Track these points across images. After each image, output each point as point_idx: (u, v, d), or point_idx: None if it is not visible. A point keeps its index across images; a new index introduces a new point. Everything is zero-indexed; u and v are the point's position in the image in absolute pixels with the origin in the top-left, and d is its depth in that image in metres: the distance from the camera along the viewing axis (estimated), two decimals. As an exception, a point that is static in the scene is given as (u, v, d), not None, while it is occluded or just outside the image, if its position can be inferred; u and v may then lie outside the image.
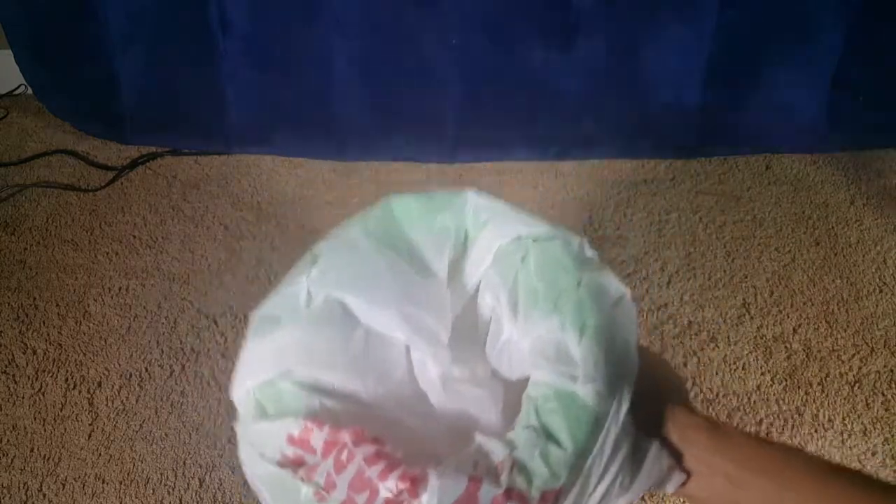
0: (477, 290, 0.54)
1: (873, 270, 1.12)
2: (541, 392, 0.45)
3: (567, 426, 0.44)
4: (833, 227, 1.23)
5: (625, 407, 0.45)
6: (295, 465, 0.45)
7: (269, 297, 0.51)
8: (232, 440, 0.84)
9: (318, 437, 0.44)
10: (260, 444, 0.46)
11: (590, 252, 0.51)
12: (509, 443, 0.44)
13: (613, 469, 0.45)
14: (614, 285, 0.49)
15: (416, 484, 0.41)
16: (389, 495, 0.41)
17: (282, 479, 0.44)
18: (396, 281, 0.51)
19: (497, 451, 0.43)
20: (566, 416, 0.44)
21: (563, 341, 0.47)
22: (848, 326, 1.01)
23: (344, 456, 0.43)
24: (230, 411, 0.56)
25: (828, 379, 0.93)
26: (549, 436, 0.44)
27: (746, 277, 1.11)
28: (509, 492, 0.42)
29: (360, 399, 0.48)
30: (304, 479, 0.43)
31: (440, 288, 0.52)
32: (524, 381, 0.48)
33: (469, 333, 0.54)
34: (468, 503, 0.41)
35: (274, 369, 0.48)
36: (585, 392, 0.44)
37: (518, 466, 0.43)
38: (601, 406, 0.44)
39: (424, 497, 0.41)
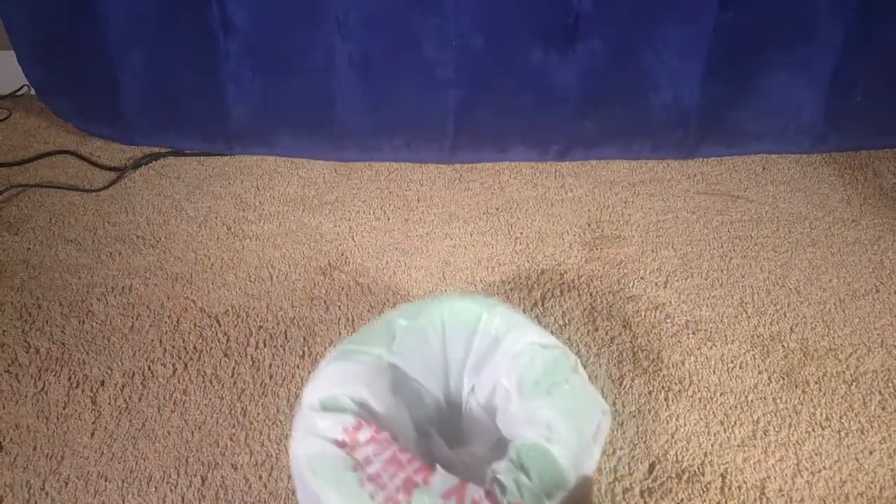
0: (499, 374, 0.77)
1: (870, 270, 1.13)
2: (525, 443, 0.66)
3: (538, 468, 0.64)
4: (830, 227, 1.23)
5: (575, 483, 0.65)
6: (341, 446, 0.65)
7: (354, 336, 0.77)
8: (233, 439, 0.85)
9: (365, 432, 0.66)
10: (318, 428, 0.67)
11: (580, 368, 0.74)
12: (494, 469, 0.65)
13: None
14: (600, 401, 0.71)
15: (428, 472, 0.63)
16: (411, 473, 0.63)
17: (332, 453, 0.65)
18: (440, 365, 0.80)
19: (485, 469, 0.65)
20: (539, 462, 0.64)
21: (549, 416, 0.67)
22: (845, 325, 1.02)
23: (383, 445, 0.65)
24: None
25: (825, 378, 0.93)
26: (522, 469, 0.64)
27: (744, 277, 1.12)
28: (488, 493, 0.62)
29: (391, 425, 0.70)
30: (348, 455, 0.64)
31: (461, 372, 0.80)
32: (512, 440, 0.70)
33: (489, 404, 0.79)
34: (460, 492, 0.62)
35: (339, 388, 0.70)
36: (558, 451, 0.65)
37: (496, 482, 0.63)
38: (566, 464, 0.64)
39: (432, 479, 0.62)
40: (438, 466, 0.64)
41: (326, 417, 0.67)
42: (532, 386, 0.71)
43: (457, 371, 0.81)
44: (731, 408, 0.89)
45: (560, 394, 0.69)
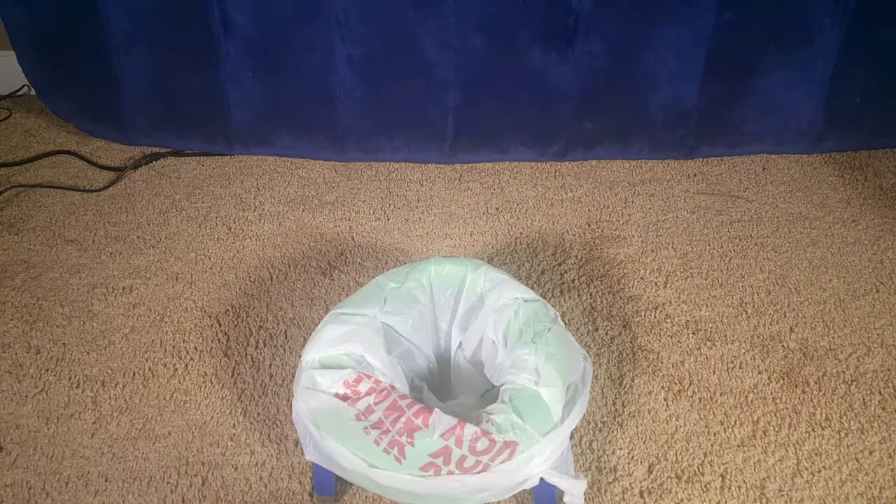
0: (485, 329, 0.81)
1: (870, 270, 1.13)
2: (514, 387, 0.71)
3: (526, 409, 0.69)
4: (830, 227, 1.23)
5: (572, 425, 0.70)
6: (342, 399, 0.70)
7: (346, 301, 0.81)
8: (233, 439, 0.85)
9: (365, 384, 0.71)
10: (320, 384, 0.71)
11: (560, 320, 0.80)
12: (487, 411, 0.70)
13: (557, 452, 0.69)
14: (580, 349, 0.78)
15: (427, 414, 0.68)
16: (411, 416, 0.67)
17: (335, 405, 0.70)
18: (429, 324, 0.86)
19: (479, 412, 0.70)
20: (528, 404, 0.69)
21: (534, 361, 0.73)
22: (845, 325, 1.02)
23: (384, 394, 0.70)
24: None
25: (825, 378, 0.93)
26: (514, 411, 0.69)
27: (743, 277, 1.12)
28: (485, 432, 0.66)
29: (387, 380, 0.73)
30: (351, 406, 0.69)
31: (449, 329, 0.86)
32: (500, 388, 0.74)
33: (476, 357, 0.84)
34: (457, 431, 0.66)
35: (336, 348, 0.74)
36: (546, 393, 0.70)
37: (491, 421, 0.68)
38: (553, 405, 0.69)
39: (431, 420, 0.67)
40: (437, 409, 0.68)
41: (326, 374, 0.72)
42: (517, 336, 0.77)
43: (445, 329, 0.87)
44: (730, 408, 0.89)
45: (543, 342, 0.75)
